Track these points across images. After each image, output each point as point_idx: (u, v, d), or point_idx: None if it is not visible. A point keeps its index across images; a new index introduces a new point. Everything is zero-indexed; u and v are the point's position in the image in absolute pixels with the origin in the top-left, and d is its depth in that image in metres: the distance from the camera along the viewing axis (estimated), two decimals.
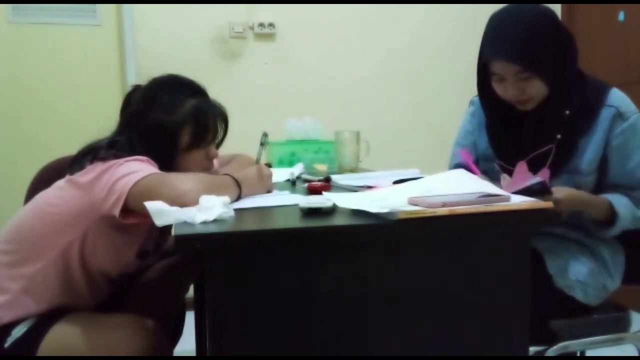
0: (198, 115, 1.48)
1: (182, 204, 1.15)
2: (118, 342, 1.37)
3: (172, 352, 1.64)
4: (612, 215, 1.52)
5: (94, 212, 1.35)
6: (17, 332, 1.37)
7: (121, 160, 1.34)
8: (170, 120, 1.45)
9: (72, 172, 1.42)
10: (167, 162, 1.43)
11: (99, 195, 1.32)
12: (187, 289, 1.88)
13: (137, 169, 1.31)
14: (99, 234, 1.40)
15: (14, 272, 1.41)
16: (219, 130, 1.55)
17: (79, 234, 1.39)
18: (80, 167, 1.40)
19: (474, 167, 1.56)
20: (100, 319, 1.44)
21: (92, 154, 1.40)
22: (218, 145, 1.58)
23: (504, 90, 1.56)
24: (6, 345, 1.36)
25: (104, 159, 1.37)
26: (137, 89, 1.55)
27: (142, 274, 1.73)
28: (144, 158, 1.38)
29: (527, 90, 1.52)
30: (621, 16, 3.25)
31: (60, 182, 1.46)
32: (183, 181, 1.27)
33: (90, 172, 1.36)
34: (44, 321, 1.39)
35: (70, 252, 1.41)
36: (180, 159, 1.47)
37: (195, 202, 1.15)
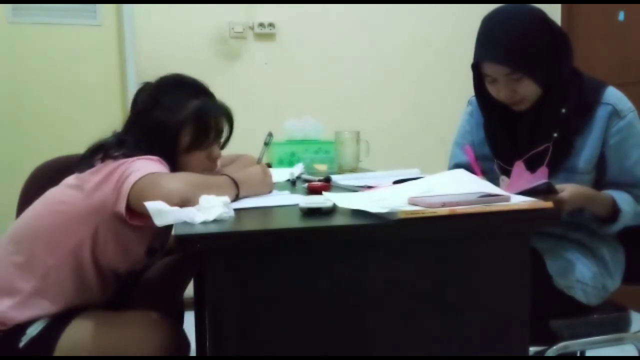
0: (199, 117, 1.48)
1: (171, 205, 1.15)
2: (138, 338, 1.37)
3: (189, 351, 1.63)
4: (614, 212, 1.52)
5: (105, 210, 1.35)
6: (33, 331, 1.36)
7: (131, 159, 1.35)
8: (171, 120, 1.46)
9: (81, 170, 1.42)
10: (170, 162, 1.43)
11: (109, 193, 1.33)
12: (187, 285, 1.89)
13: (140, 168, 1.31)
14: (109, 231, 1.40)
15: (27, 272, 1.40)
16: (223, 130, 1.55)
17: (90, 231, 1.39)
18: (90, 165, 1.41)
19: (475, 165, 1.57)
20: (117, 316, 1.45)
21: (103, 152, 1.40)
22: (223, 145, 1.58)
23: (497, 92, 1.57)
24: (21, 344, 1.35)
25: (115, 158, 1.37)
26: (145, 87, 1.55)
27: (146, 271, 1.73)
28: (156, 158, 1.38)
29: (519, 91, 1.53)
30: (621, 16, 3.25)
31: (70, 180, 1.45)
32: (171, 181, 1.27)
33: (101, 171, 1.37)
34: (59, 320, 1.39)
35: (82, 250, 1.40)
36: (181, 160, 1.47)
37: (182, 202, 1.16)
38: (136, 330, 1.40)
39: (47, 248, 1.40)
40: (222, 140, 1.58)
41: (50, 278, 1.40)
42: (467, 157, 1.64)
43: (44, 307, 1.40)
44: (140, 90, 1.55)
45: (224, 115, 1.54)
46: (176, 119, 1.46)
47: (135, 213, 1.30)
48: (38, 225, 1.43)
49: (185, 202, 1.17)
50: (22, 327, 1.37)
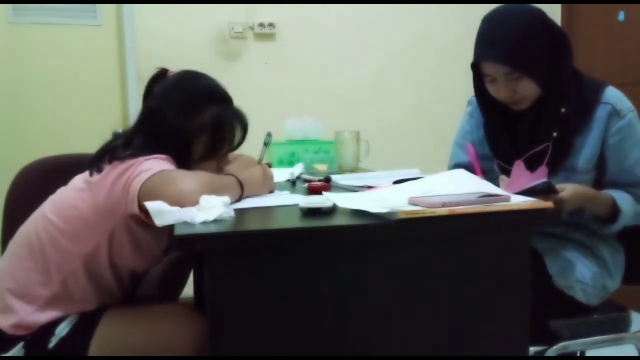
0: (215, 127, 1.45)
1: (182, 204, 1.15)
2: (174, 331, 1.37)
3: None
4: (614, 211, 1.52)
5: (117, 213, 1.33)
6: (61, 331, 1.36)
7: (140, 159, 1.33)
8: (186, 127, 1.43)
9: (90, 173, 1.40)
10: (178, 165, 1.41)
11: (120, 196, 1.31)
12: (187, 279, 1.89)
13: (150, 167, 1.30)
14: (125, 233, 1.38)
15: (44, 278, 1.38)
16: (236, 138, 1.52)
17: (106, 235, 1.37)
18: (98, 168, 1.38)
19: (476, 163, 1.57)
20: (146, 311, 1.44)
21: (110, 154, 1.38)
22: (233, 150, 1.56)
23: (497, 91, 1.57)
24: (51, 345, 1.34)
25: (122, 159, 1.35)
26: (162, 74, 1.51)
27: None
28: (163, 156, 1.36)
29: (518, 91, 1.53)
30: (621, 16, 3.25)
31: (79, 183, 1.43)
32: (186, 181, 1.25)
33: (110, 173, 1.35)
34: (87, 318, 1.38)
35: (99, 254, 1.39)
36: (191, 166, 1.44)
37: (195, 203, 1.15)
38: (172, 323, 1.40)
39: (63, 254, 1.38)
40: (233, 147, 1.55)
41: (69, 283, 1.39)
42: (469, 155, 1.64)
43: (66, 309, 1.38)
44: (156, 79, 1.52)
45: (239, 123, 1.51)
46: (191, 126, 1.43)
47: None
48: (50, 230, 1.40)
49: (197, 203, 1.15)
50: (48, 328, 1.36)
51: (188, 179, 1.27)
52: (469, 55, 1.59)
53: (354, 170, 2.06)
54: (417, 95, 3.59)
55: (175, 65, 1.59)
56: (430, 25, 3.59)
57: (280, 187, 1.63)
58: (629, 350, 1.80)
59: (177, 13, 3.20)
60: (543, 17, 1.54)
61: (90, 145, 1.47)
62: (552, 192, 1.38)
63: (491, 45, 1.51)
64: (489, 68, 1.54)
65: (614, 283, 1.62)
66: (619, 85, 1.60)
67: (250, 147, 1.61)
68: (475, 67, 1.60)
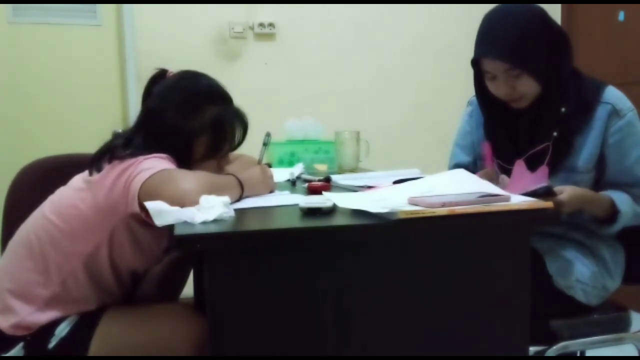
0: (216, 126, 1.45)
1: (183, 203, 1.15)
2: (174, 332, 1.37)
3: None
4: (613, 213, 1.52)
5: (118, 213, 1.33)
6: (61, 331, 1.35)
7: (140, 158, 1.33)
8: (186, 127, 1.43)
9: (90, 173, 1.40)
10: (180, 164, 1.41)
11: (120, 195, 1.31)
12: (187, 279, 1.89)
13: (150, 166, 1.29)
14: (125, 233, 1.38)
15: (44, 278, 1.38)
16: (236, 138, 1.52)
17: (106, 235, 1.37)
18: (98, 169, 1.38)
19: (489, 162, 1.57)
20: (147, 311, 1.44)
21: (109, 153, 1.38)
22: (233, 149, 1.56)
23: (496, 89, 1.57)
24: (50, 345, 1.34)
25: (122, 158, 1.35)
26: (162, 74, 1.51)
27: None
28: (164, 155, 1.36)
29: (518, 89, 1.53)
30: (621, 16, 3.25)
31: (79, 183, 1.43)
32: (186, 180, 1.25)
33: (110, 173, 1.34)
34: (87, 318, 1.38)
35: (99, 254, 1.38)
36: (191, 166, 1.44)
37: (195, 202, 1.15)
38: (172, 323, 1.40)
39: (63, 254, 1.38)
40: (234, 146, 1.54)
41: (69, 283, 1.38)
42: (485, 153, 1.63)
43: (65, 309, 1.38)
44: (155, 79, 1.52)
45: (240, 123, 1.51)
46: (191, 126, 1.43)
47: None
48: (50, 230, 1.39)
49: (197, 203, 1.15)
50: (48, 328, 1.36)
51: (188, 179, 1.26)
52: (469, 56, 1.59)
53: (354, 170, 2.06)
54: (417, 95, 3.59)
55: (175, 65, 1.59)
56: (430, 25, 3.59)
57: (280, 187, 1.63)
58: (629, 350, 1.80)
59: (177, 13, 3.20)
60: (543, 16, 1.54)
61: (90, 145, 1.47)
62: (551, 195, 1.38)
63: (491, 42, 1.52)
64: (489, 65, 1.54)
65: (614, 283, 1.62)
66: (619, 85, 1.60)
67: (250, 147, 1.61)
68: (476, 64, 1.60)
